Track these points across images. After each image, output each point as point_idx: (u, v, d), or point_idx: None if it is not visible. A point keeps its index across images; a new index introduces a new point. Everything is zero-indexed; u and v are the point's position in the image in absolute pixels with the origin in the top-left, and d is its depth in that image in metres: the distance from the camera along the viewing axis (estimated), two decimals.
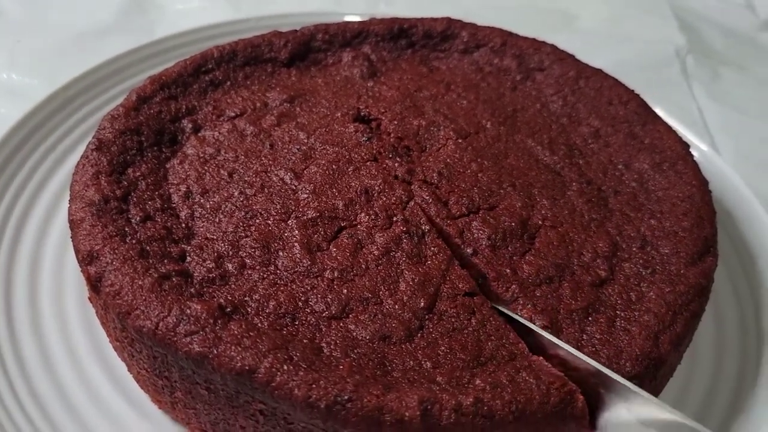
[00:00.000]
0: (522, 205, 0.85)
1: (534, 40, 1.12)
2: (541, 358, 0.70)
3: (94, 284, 0.71)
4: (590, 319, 0.75)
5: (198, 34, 1.20)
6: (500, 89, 1.06)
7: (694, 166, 0.93)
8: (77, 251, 0.75)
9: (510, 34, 1.12)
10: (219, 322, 0.66)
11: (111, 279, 0.70)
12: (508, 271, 0.77)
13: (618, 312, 0.76)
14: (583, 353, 0.70)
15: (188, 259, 0.75)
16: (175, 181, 0.84)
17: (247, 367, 0.63)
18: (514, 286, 0.76)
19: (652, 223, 0.86)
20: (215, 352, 0.64)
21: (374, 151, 0.89)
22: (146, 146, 0.87)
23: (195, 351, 0.64)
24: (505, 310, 0.75)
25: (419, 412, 0.62)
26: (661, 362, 0.72)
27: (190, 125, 0.92)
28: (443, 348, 0.70)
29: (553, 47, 1.10)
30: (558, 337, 0.72)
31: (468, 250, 0.79)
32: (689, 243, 0.82)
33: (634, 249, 0.82)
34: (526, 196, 0.86)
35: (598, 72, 1.07)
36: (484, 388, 0.65)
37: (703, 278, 0.79)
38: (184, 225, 0.79)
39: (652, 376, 0.71)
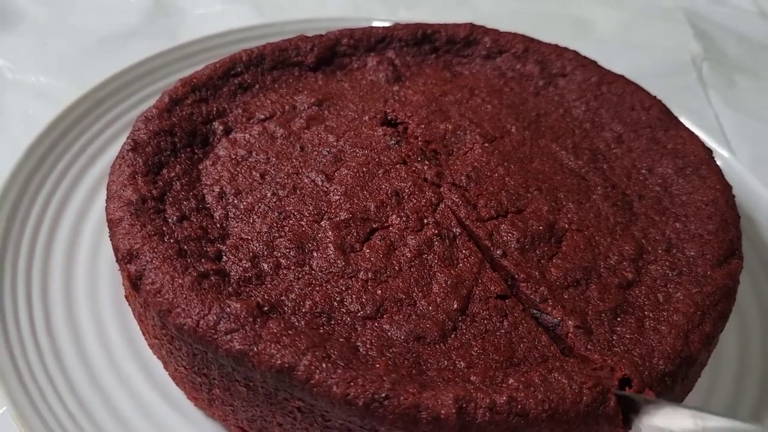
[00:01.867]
0: (549, 209, 0.86)
1: (556, 46, 1.13)
2: (573, 360, 0.71)
3: (135, 282, 0.73)
4: (619, 319, 0.76)
5: (224, 38, 1.21)
6: (523, 94, 1.07)
7: (718, 171, 0.94)
8: (116, 250, 0.76)
9: (532, 40, 1.14)
10: (258, 320, 0.68)
11: (151, 277, 0.72)
12: (536, 273, 0.79)
13: (646, 313, 0.77)
14: (614, 352, 0.71)
15: (224, 258, 0.77)
16: (208, 182, 0.86)
17: (287, 365, 0.64)
18: (542, 288, 0.77)
19: (677, 226, 0.87)
20: (255, 349, 0.65)
21: (403, 155, 0.91)
22: (179, 147, 0.88)
23: (236, 349, 0.66)
24: (537, 314, 0.76)
25: (455, 410, 0.63)
26: (693, 360, 0.73)
27: (221, 127, 0.93)
28: (476, 349, 0.71)
29: (575, 53, 1.12)
30: (589, 338, 0.73)
31: (497, 253, 0.80)
32: (715, 245, 0.83)
33: (660, 252, 0.84)
34: (552, 200, 0.87)
35: (620, 78, 1.08)
36: (517, 387, 0.66)
37: (730, 280, 0.80)
38: (218, 225, 0.81)
39: (684, 375, 0.73)
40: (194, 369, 0.74)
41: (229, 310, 0.68)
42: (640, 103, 1.04)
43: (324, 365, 0.65)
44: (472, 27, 1.14)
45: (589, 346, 0.73)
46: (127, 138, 0.87)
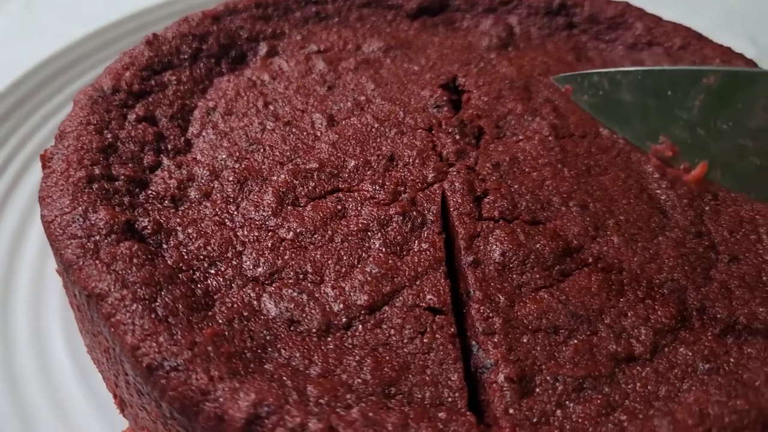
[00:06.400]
0: (578, 233, 0.63)
1: (728, 49, 0.86)
2: (471, 419, 0.50)
3: (44, 161, 0.66)
4: (581, 395, 0.53)
5: None
6: None
7: None
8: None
9: (699, 36, 0.88)
10: (112, 237, 0.57)
11: (57, 156, 0.64)
12: (501, 299, 0.58)
13: (627, 402, 0.52)
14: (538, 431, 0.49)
15: (158, 171, 0.67)
16: (210, 96, 0.77)
17: (97, 291, 0.53)
18: (497, 318, 0.56)
19: (758, 310, 0.59)
20: (81, 263, 0.55)
21: (434, 122, 0.73)
22: (203, 56, 0.80)
23: (66, 256, 0.56)
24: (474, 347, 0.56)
25: (245, 416, 0.47)
26: None
27: (265, 49, 0.84)
28: (353, 360, 0.53)
29: (748, 63, 0.84)
30: (519, 400, 0.52)
31: (468, 259, 0.60)
32: None
33: (708, 335, 0.57)
34: (592, 224, 0.64)
35: None
36: (353, 422, 0.48)
37: None
38: (184, 138, 0.71)
39: None
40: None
41: (90, 215, 0.58)
42: None
43: (133, 307, 0.52)
44: (626, 7, 0.91)
45: (511, 410, 0.51)
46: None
